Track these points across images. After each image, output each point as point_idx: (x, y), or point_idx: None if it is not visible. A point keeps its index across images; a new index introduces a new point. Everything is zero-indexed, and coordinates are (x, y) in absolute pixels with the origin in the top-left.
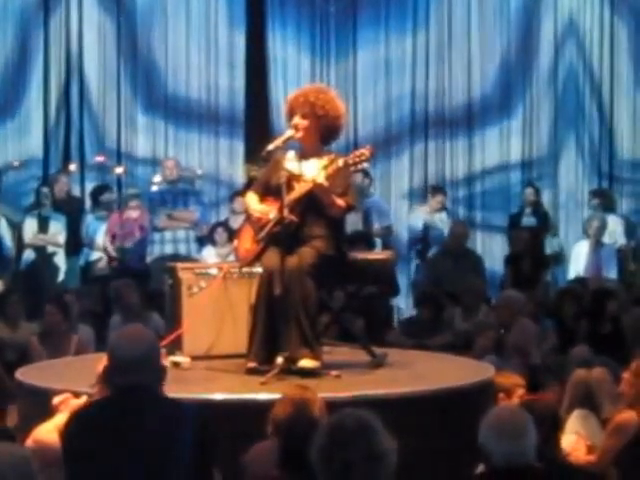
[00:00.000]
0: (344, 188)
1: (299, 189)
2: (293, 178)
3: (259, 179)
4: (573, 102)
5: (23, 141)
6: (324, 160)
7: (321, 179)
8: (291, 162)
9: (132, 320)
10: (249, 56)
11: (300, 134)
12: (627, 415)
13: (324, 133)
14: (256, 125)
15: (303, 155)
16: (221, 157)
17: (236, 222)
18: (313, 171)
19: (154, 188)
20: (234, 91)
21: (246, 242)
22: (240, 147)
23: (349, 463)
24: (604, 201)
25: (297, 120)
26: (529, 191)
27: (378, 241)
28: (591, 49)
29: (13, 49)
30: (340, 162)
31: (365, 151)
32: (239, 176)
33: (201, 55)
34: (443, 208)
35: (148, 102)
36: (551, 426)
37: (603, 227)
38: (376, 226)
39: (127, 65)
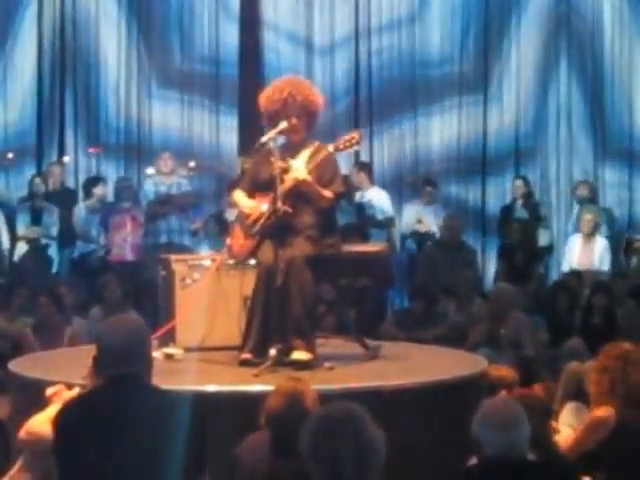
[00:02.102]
0: (331, 175)
1: (287, 182)
2: (283, 170)
3: (246, 175)
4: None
5: (17, 132)
6: (309, 150)
7: (303, 175)
8: (278, 155)
9: (111, 313)
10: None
11: (295, 134)
12: (604, 410)
13: (310, 125)
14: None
15: (289, 148)
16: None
17: (232, 214)
18: (300, 163)
19: (148, 180)
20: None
21: (239, 238)
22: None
23: (337, 453)
24: (587, 193)
25: (294, 121)
26: (519, 183)
27: (379, 233)
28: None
29: (4, 35)
30: (330, 148)
31: (354, 135)
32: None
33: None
34: (434, 200)
35: (148, 94)
36: (542, 418)
37: (596, 220)
38: (379, 217)
39: (128, 54)
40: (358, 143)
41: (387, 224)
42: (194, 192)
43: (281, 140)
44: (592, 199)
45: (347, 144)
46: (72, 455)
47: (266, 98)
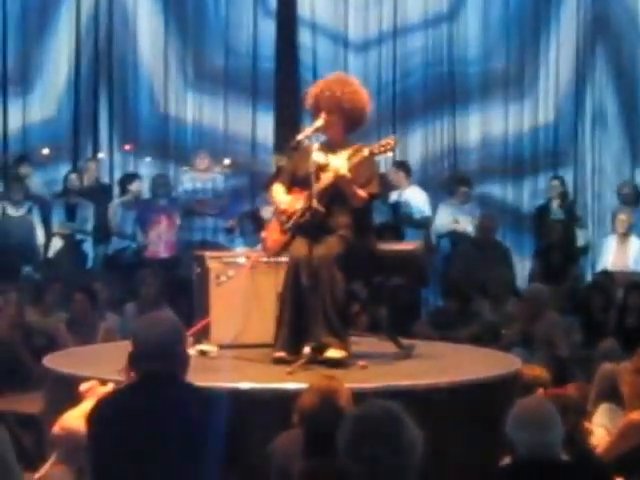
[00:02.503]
0: (368, 177)
1: (324, 180)
2: (320, 168)
3: (285, 170)
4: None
5: (53, 128)
6: (349, 150)
7: (344, 170)
8: (317, 152)
9: (145, 309)
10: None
11: (330, 131)
12: (638, 414)
13: (349, 124)
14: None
15: (329, 145)
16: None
17: (267, 212)
18: (339, 161)
19: (185, 176)
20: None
21: (274, 233)
22: (270, 116)
23: (376, 454)
24: (631, 192)
25: (323, 116)
26: (555, 183)
27: (415, 232)
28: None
29: (43, 31)
30: (366, 151)
31: (390, 140)
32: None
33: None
34: (469, 200)
35: (183, 87)
36: (576, 418)
37: (630, 220)
38: (416, 216)
39: (164, 51)
40: (393, 149)
41: (423, 223)
42: (228, 190)
43: (322, 138)
44: (637, 199)
45: (382, 149)
46: (105, 451)
47: (307, 95)
